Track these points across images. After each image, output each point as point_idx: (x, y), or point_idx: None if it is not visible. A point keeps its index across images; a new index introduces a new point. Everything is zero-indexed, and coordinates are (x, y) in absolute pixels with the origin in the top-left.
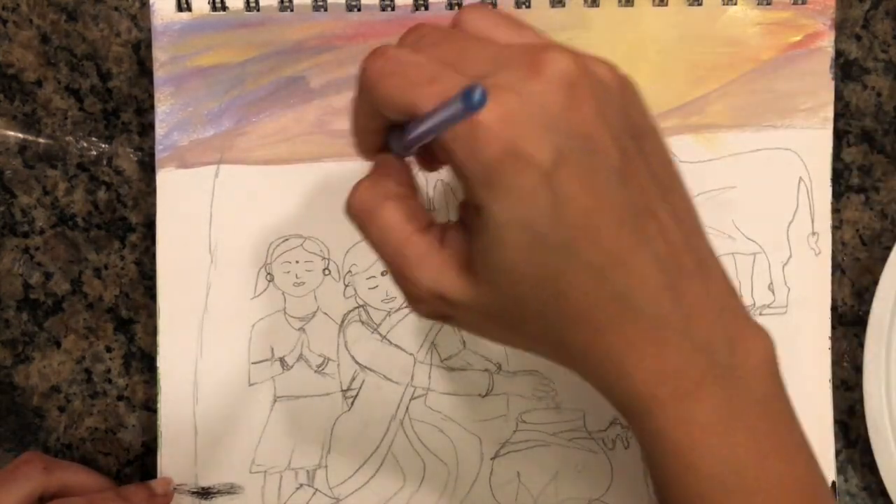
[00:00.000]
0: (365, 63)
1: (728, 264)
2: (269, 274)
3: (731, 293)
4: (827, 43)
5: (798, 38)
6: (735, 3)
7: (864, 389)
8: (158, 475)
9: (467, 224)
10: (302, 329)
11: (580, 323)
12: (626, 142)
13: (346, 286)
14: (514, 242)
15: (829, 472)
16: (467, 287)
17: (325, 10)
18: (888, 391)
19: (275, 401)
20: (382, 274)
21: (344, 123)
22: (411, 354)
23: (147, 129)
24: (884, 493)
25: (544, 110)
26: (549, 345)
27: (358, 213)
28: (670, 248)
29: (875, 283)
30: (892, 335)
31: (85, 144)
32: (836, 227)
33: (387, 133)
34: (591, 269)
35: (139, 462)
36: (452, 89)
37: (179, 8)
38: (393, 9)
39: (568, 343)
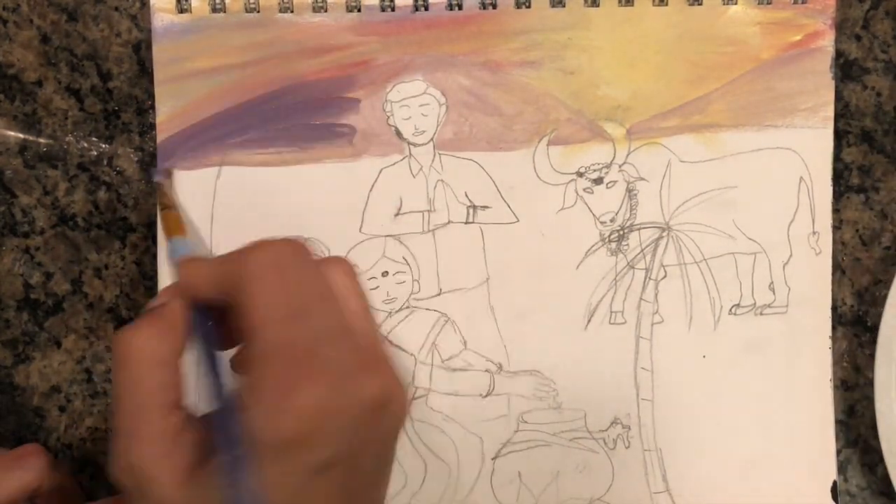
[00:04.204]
0: (253, 248)
1: (729, 264)
2: None
3: None
4: (827, 42)
5: (798, 37)
6: (735, 3)
7: (875, 408)
8: None
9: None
10: None
11: None
12: None
13: None
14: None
15: (830, 471)
16: (173, 492)
17: (325, 10)
18: None
19: None
20: (383, 275)
21: (344, 125)
22: (412, 355)
23: (147, 129)
24: (884, 493)
25: (346, 418)
26: None
27: (120, 356)
28: None
29: (875, 283)
30: None
31: (85, 144)
32: (836, 227)
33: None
34: None
35: None
36: (287, 360)
37: (180, 9)
38: (393, 9)
39: None
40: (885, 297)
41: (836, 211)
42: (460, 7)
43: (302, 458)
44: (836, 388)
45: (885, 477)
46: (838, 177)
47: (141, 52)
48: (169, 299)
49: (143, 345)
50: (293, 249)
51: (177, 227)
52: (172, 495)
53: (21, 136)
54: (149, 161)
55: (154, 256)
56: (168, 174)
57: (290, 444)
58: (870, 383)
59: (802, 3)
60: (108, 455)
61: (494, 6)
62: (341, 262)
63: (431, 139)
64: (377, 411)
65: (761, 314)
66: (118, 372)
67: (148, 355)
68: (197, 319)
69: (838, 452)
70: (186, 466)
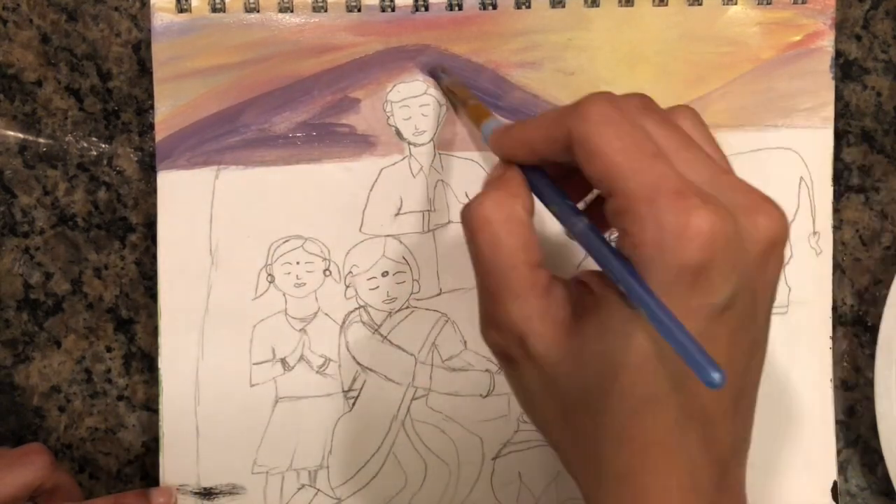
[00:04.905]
0: (590, 102)
1: None
2: (269, 275)
3: None
4: (827, 42)
5: (798, 37)
6: (735, 3)
7: (875, 409)
8: (160, 476)
9: (591, 290)
10: (303, 330)
11: (629, 446)
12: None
13: (347, 287)
14: (639, 347)
15: (830, 471)
16: (554, 345)
17: (325, 10)
18: None
19: (276, 401)
20: (383, 275)
21: (344, 125)
22: (412, 355)
23: (147, 129)
24: (884, 493)
25: (744, 254)
26: (579, 447)
27: (475, 222)
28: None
29: (875, 283)
30: None
31: (85, 144)
32: (836, 227)
33: (539, 162)
34: (683, 412)
35: (139, 462)
36: (671, 191)
37: (179, 9)
38: (393, 9)
39: (602, 459)
40: (885, 297)
41: (836, 211)
42: (460, 7)
43: (704, 295)
44: (836, 388)
45: (885, 477)
46: (838, 177)
47: (141, 52)
48: (504, 169)
49: (495, 207)
50: (637, 101)
51: (483, 112)
52: (554, 349)
53: (21, 136)
54: (149, 161)
55: (154, 256)
56: (442, 70)
57: (693, 272)
58: (870, 383)
59: (802, 3)
60: (107, 454)
61: (494, 6)
62: (687, 110)
63: (432, 139)
64: (770, 251)
65: None
66: (475, 237)
67: (503, 216)
68: (539, 182)
69: (838, 452)
70: (564, 321)
